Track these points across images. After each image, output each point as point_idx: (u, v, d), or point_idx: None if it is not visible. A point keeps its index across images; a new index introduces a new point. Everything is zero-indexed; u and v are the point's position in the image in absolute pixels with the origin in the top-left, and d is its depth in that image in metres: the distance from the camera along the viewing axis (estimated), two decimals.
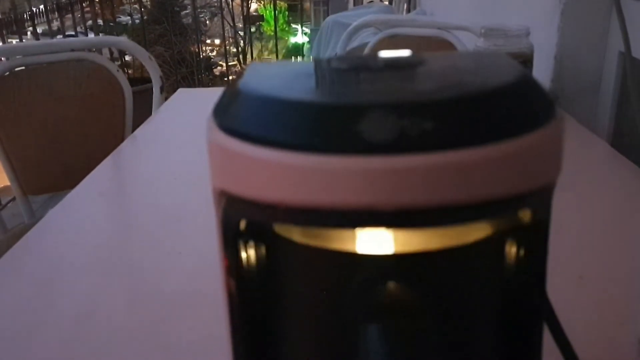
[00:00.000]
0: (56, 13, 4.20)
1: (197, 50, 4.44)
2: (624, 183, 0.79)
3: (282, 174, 0.20)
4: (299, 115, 0.21)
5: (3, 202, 2.40)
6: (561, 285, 0.54)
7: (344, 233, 0.23)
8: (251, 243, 0.25)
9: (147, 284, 0.59)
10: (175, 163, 0.93)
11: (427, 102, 0.20)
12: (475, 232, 0.24)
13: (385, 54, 0.26)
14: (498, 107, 0.21)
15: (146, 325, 0.52)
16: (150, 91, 1.35)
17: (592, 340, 0.46)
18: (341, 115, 0.20)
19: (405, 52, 0.26)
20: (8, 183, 1.29)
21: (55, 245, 0.67)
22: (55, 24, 4.23)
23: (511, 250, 0.25)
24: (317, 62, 0.27)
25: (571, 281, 0.55)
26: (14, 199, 2.04)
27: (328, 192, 0.20)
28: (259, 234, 0.25)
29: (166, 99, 1.33)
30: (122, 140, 1.06)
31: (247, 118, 0.22)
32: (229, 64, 4.40)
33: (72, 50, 1.29)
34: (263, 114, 0.21)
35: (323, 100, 0.22)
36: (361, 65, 0.25)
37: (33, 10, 4.14)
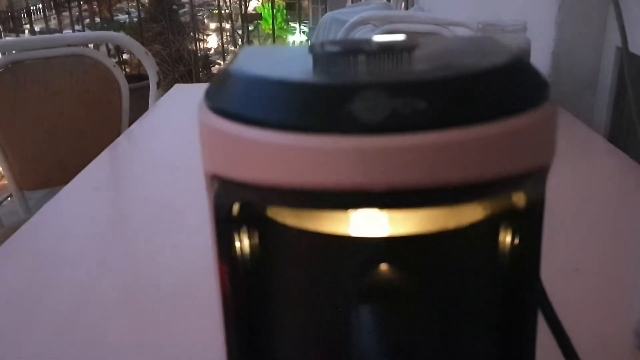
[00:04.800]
0: (53, 11, 4.18)
1: (195, 48, 4.43)
2: (620, 177, 0.79)
3: (274, 155, 0.20)
4: (291, 96, 0.21)
5: None
6: (557, 278, 0.54)
7: (336, 216, 0.23)
8: (244, 228, 0.25)
9: (141, 277, 0.58)
10: (171, 158, 0.92)
11: (419, 81, 0.20)
12: (469, 215, 0.24)
13: (377, 38, 0.26)
14: (491, 87, 0.21)
15: (140, 318, 0.51)
16: (146, 89, 1.35)
17: (588, 332, 0.46)
18: (333, 95, 0.20)
19: (398, 37, 0.26)
20: (3, 182, 1.28)
21: (50, 239, 0.67)
22: (53, 22, 4.22)
23: (505, 234, 0.25)
24: (310, 45, 0.26)
25: (567, 274, 0.54)
26: (10, 196, 2.04)
27: (320, 172, 0.20)
28: (252, 219, 0.25)
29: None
30: (118, 136, 1.05)
31: (238, 99, 0.22)
32: (227, 62, 4.39)
33: (69, 45, 1.29)
34: (254, 94, 0.21)
35: (315, 80, 0.21)
36: (354, 49, 0.24)
37: (30, 8, 4.12)
